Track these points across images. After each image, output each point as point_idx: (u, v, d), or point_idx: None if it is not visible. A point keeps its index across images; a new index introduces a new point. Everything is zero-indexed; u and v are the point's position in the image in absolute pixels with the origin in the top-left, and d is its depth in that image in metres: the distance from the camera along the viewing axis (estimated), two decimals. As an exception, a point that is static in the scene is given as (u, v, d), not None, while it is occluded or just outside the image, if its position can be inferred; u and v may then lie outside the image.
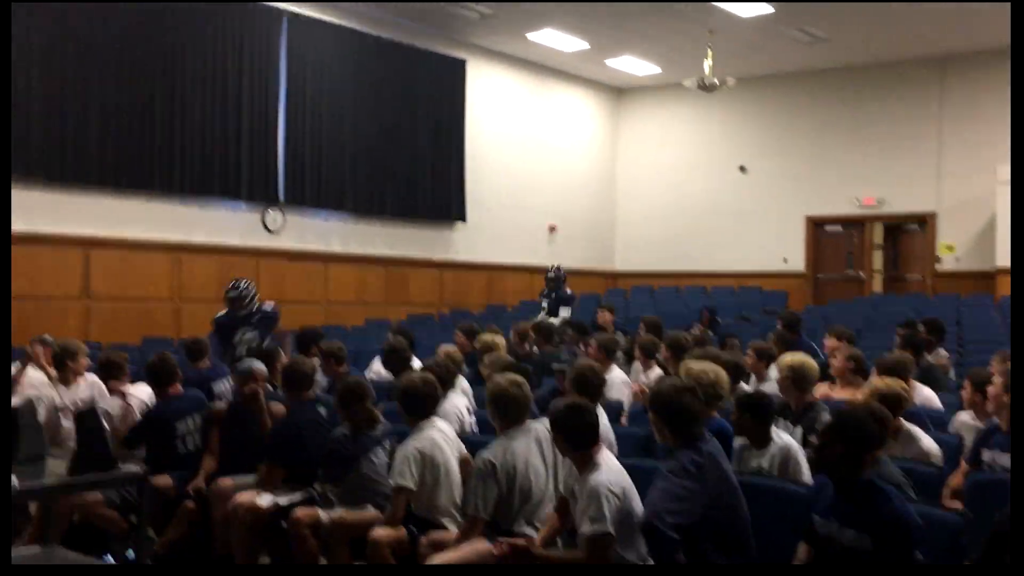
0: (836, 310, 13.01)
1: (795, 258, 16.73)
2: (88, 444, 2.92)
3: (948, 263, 15.46)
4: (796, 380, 4.85)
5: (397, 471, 4.33)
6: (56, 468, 2.87)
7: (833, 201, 16.37)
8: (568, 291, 11.06)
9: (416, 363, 7.65)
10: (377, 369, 7.49)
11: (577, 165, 17.95)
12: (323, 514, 4.53)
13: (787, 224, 16.69)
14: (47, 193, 10.90)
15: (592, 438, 3.79)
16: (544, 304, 10.98)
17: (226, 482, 5.02)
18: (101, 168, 11.19)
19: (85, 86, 11.01)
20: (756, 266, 16.66)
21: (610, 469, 3.74)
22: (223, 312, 8.12)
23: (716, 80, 13.80)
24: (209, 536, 4.97)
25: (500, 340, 7.05)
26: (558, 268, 11.27)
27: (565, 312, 10.74)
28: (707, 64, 13.81)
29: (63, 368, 6.28)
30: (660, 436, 3.75)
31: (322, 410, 5.21)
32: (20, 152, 10.46)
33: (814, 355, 7.81)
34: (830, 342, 7.14)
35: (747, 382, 6.28)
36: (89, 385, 6.29)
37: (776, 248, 16.78)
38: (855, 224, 16.45)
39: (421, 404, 4.58)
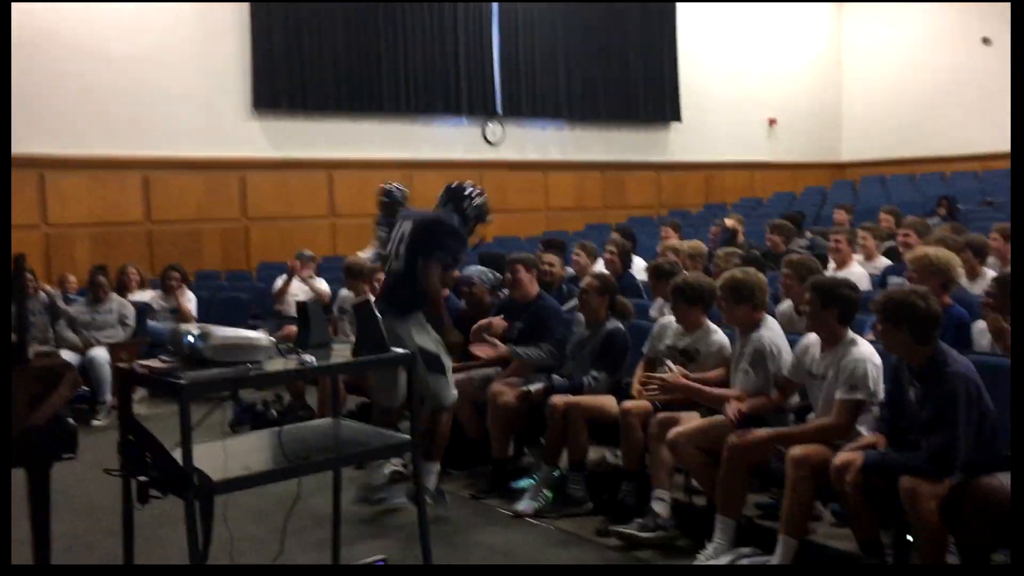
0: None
1: (1050, 135, 15.20)
2: (364, 331, 3.40)
3: None
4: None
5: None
6: (342, 352, 3.38)
7: (1096, 67, 14.63)
8: None
9: (639, 262, 7.90)
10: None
11: (797, 53, 17.11)
12: (573, 399, 4.87)
13: (1040, 98, 15.14)
14: (292, 122, 11.93)
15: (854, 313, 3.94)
16: (382, 234, 8.13)
17: (462, 378, 5.42)
18: (337, 95, 12.11)
19: (318, 20, 11.85)
20: (1004, 146, 15.24)
21: (865, 343, 3.87)
22: None
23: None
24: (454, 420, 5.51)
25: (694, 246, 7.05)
26: (396, 188, 8.43)
27: None
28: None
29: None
30: (887, 345, 3.61)
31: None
32: (265, 85, 11.53)
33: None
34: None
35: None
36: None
37: (1027, 125, 15.28)
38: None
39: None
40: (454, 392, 4.78)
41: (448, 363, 4.74)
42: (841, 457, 3.59)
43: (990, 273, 5.54)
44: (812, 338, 4.06)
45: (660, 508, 4.31)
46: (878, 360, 3.82)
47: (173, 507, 2.91)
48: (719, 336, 4.64)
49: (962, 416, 3.32)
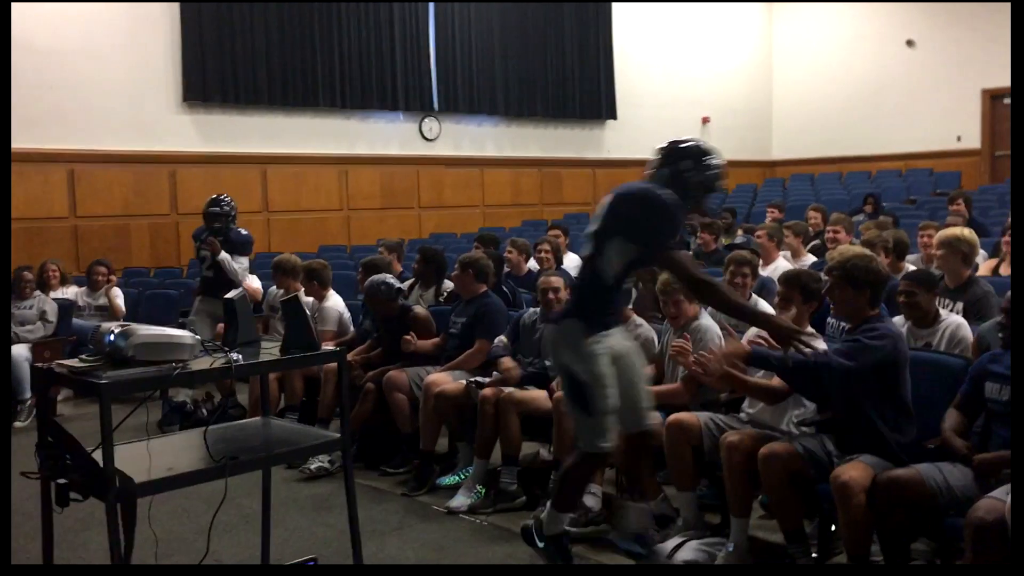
0: (1015, 188, 12.25)
1: (970, 135, 15.72)
2: (293, 328, 3.35)
3: None
4: (955, 252, 4.79)
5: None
6: (271, 350, 3.32)
7: (1013, 71, 15.18)
8: (243, 232, 7.11)
9: (572, 258, 7.97)
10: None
11: (730, 54, 17.39)
12: (504, 391, 4.88)
13: (961, 99, 15.63)
14: (224, 115, 11.72)
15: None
16: (205, 253, 6.97)
17: (397, 371, 5.43)
18: (271, 89, 11.91)
19: (250, 13, 11.65)
20: (926, 146, 15.80)
21: None
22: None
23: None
24: (388, 416, 5.48)
25: None
26: (225, 199, 7.04)
27: (242, 264, 7.02)
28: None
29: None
30: (843, 309, 3.72)
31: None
32: (195, 78, 11.30)
33: (985, 235, 7.60)
34: (1008, 221, 6.92)
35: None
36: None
37: (948, 126, 15.79)
38: (1038, 95, 15.22)
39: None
40: (604, 441, 3.56)
41: (606, 399, 3.49)
42: (767, 448, 3.68)
43: (911, 269, 5.72)
44: None
45: (591, 502, 4.35)
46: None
47: (97, 509, 2.84)
48: (644, 329, 4.73)
49: (877, 350, 3.45)
